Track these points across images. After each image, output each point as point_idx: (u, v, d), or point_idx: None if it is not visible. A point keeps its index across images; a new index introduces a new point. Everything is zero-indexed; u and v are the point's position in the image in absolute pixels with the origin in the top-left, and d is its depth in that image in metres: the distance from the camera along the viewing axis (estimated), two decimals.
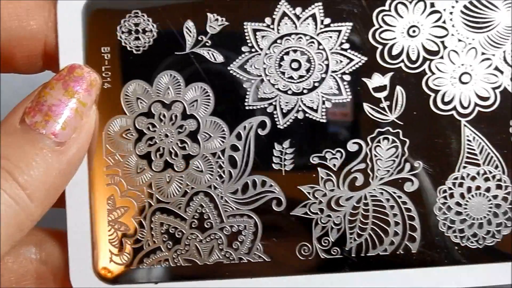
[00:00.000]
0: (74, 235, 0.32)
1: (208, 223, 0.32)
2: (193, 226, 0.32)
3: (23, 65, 0.32)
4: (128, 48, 0.32)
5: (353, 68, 0.32)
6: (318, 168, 0.32)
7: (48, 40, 0.31)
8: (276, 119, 0.32)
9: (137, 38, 0.32)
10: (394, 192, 0.32)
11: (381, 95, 0.32)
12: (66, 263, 0.32)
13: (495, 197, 0.33)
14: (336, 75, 0.32)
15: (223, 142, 0.32)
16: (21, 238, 0.28)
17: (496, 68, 0.32)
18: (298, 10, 0.32)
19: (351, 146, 0.32)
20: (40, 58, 0.32)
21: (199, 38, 0.32)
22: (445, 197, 0.33)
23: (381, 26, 0.32)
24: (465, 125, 0.32)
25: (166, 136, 0.32)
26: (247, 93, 0.32)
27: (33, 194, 0.28)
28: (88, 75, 0.30)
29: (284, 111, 0.32)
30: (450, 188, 0.33)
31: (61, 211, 0.32)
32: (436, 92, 0.32)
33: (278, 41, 0.32)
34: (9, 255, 0.33)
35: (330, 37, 0.32)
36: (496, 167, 0.32)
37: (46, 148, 0.28)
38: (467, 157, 0.32)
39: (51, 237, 0.33)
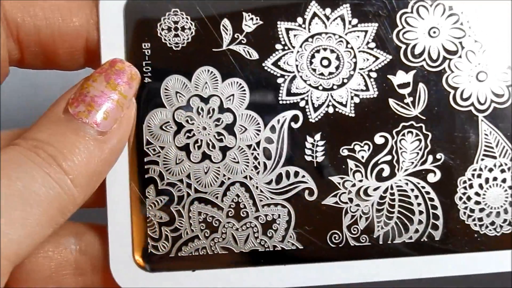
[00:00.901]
0: (115, 225, 0.33)
1: (244, 212, 0.34)
2: (229, 215, 0.34)
3: (65, 61, 0.33)
4: (168, 45, 0.33)
5: (379, 66, 0.34)
6: (348, 160, 0.34)
7: (90, 37, 0.32)
8: (308, 113, 0.34)
9: (176, 35, 0.33)
10: (418, 183, 0.34)
11: (405, 91, 0.34)
12: (105, 254, 0.33)
13: (510, 187, 0.34)
14: (364, 72, 0.34)
15: (258, 134, 0.33)
16: (62, 223, 0.29)
17: (509, 67, 0.34)
18: (328, 11, 0.33)
19: (378, 139, 0.34)
20: (82, 55, 0.33)
21: (235, 36, 0.33)
22: (465, 188, 0.34)
23: (404, 27, 0.34)
24: (482, 120, 0.34)
25: (204, 128, 0.33)
26: (281, 88, 0.33)
27: (76, 179, 0.29)
28: (129, 68, 0.31)
29: (315, 105, 0.34)
30: (469, 179, 0.34)
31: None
32: (455, 89, 0.34)
33: (309, 39, 0.34)
34: (50, 244, 0.33)
35: (358, 36, 0.34)
36: (511, 159, 0.34)
37: (88, 136, 0.30)
38: (485, 150, 0.34)
39: (90, 229, 0.34)
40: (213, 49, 0.33)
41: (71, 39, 0.32)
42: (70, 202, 0.29)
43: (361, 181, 0.34)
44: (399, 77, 0.34)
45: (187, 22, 0.33)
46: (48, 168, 0.28)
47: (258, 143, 0.33)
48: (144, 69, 0.33)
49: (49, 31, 0.32)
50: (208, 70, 0.33)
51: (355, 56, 0.34)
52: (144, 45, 0.33)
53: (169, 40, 0.33)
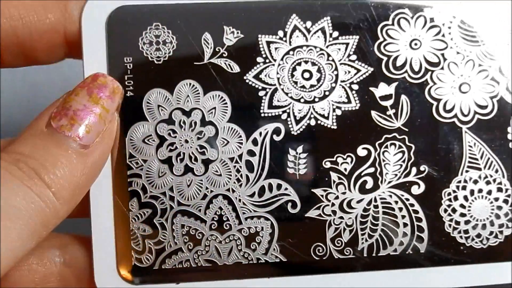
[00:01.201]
0: (98, 238, 0.33)
1: (227, 225, 0.34)
2: (212, 227, 0.34)
3: (45, 56, 0.34)
4: (150, 59, 0.33)
5: (361, 78, 0.34)
6: (330, 172, 0.34)
7: (67, 30, 0.33)
8: (290, 126, 0.34)
9: (158, 49, 0.33)
10: (402, 195, 0.34)
11: (387, 103, 0.34)
12: (89, 266, 0.33)
13: (496, 199, 0.34)
14: (345, 84, 0.34)
15: (240, 147, 0.33)
16: (46, 236, 0.29)
17: (493, 79, 0.34)
18: (309, 23, 0.34)
19: (361, 151, 0.34)
20: (61, 48, 0.33)
21: (216, 50, 0.33)
22: (450, 200, 0.34)
23: (385, 39, 0.34)
24: (466, 132, 0.34)
25: (186, 141, 0.33)
26: (262, 101, 0.34)
27: (59, 192, 0.29)
28: (111, 83, 0.32)
29: (297, 118, 0.34)
30: (454, 191, 0.34)
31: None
32: (438, 100, 0.34)
33: (291, 52, 0.34)
34: (34, 257, 0.34)
35: (339, 49, 0.34)
36: (496, 171, 0.34)
37: (71, 149, 0.30)
38: (469, 162, 0.34)
39: (74, 241, 0.35)
40: (195, 63, 0.33)
41: (49, 35, 0.33)
42: (53, 215, 0.29)
43: (344, 193, 0.34)
44: (381, 89, 0.34)
45: (168, 36, 0.33)
46: (29, 182, 0.28)
47: (240, 156, 0.34)
48: (126, 83, 0.33)
49: (26, 30, 0.32)
50: (190, 84, 0.33)
51: (336, 69, 0.34)
52: (126, 59, 0.33)
53: (151, 54, 0.33)
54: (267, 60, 0.34)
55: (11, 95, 0.46)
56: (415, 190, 0.34)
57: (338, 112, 0.34)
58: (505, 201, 0.34)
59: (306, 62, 0.34)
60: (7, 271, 0.28)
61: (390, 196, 0.34)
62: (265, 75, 0.34)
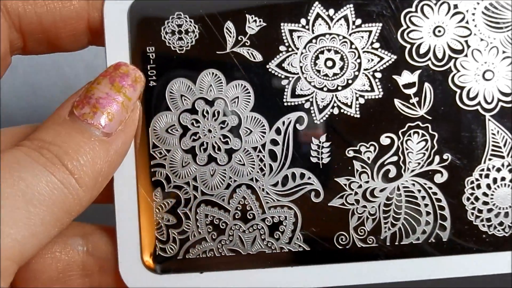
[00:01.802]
0: (123, 228, 0.33)
1: (251, 214, 0.34)
2: (236, 217, 0.34)
3: (69, 43, 0.33)
4: (172, 48, 0.33)
5: (384, 66, 0.34)
6: (354, 161, 0.34)
7: (90, 17, 0.33)
8: (313, 115, 0.34)
9: (180, 39, 0.33)
10: (425, 183, 0.34)
11: (411, 91, 0.34)
12: (112, 255, 0.34)
13: None
14: (368, 72, 0.34)
15: (263, 136, 0.33)
16: (69, 224, 0.30)
17: None
18: (331, 11, 0.33)
19: (384, 140, 0.34)
20: (84, 35, 0.33)
21: (239, 38, 0.33)
22: (472, 188, 0.34)
23: (408, 27, 0.34)
24: (489, 120, 0.34)
25: (210, 131, 0.33)
26: (285, 90, 0.33)
27: (81, 179, 0.29)
28: (133, 71, 0.31)
29: (320, 107, 0.34)
30: (477, 179, 0.34)
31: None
32: (461, 88, 0.34)
33: (313, 41, 0.34)
34: (57, 245, 0.34)
35: (362, 37, 0.34)
36: None
37: (94, 137, 0.30)
38: (492, 150, 0.34)
39: (97, 231, 0.35)
40: (217, 52, 0.33)
41: (73, 22, 0.33)
42: (76, 202, 0.29)
43: (367, 182, 0.34)
44: (404, 77, 0.34)
45: (190, 25, 0.33)
46: (52, 168, 0.28)
47: (263, 145, 0.33)
48: (149, 73, 0.33)
49: (50, 17, 0.32)
50: (213, 73, 0.33)
51: (359, 57, 0.34)
52: (149, 49, 0.33)
53: (173, 43, 0.33)
54: (290, 49, 0.33)
55: (11, 95, 0.46)
56: (438, 178, 0.34)
57: (361, 100, 0.34)
58: None
59: (329, 50, 0.34)
60: (30, 257, 0.28)
61: (413, 184, 0.34)
62: (288, 64, 0.33)
